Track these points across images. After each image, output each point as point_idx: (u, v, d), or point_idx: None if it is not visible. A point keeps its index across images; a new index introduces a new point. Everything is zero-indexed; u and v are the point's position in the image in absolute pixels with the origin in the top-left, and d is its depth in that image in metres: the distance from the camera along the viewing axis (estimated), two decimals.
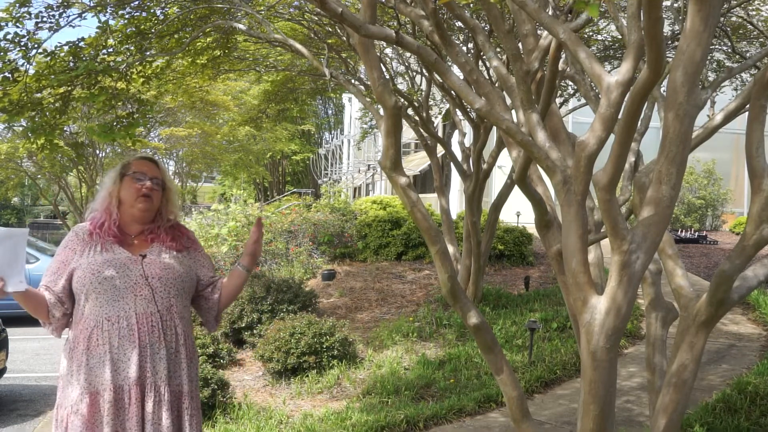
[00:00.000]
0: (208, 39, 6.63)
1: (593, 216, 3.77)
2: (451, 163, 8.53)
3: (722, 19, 6.47)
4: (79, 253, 2.32)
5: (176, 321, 2.33)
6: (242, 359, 6.97)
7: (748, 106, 2.91)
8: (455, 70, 5.11)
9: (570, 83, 9.29)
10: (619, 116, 2.31)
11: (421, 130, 8.51)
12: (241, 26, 5.96)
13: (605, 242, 2.84)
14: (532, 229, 8.01)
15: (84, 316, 2.27)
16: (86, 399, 2.21)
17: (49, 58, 4.67)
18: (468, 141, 9.61)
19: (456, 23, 7.65)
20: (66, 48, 4.76)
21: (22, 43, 4.39)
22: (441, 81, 7.65)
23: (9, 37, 4.33)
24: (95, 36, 4.90)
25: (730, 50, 7.54)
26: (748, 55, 7.49)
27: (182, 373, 2.32)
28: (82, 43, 4.83)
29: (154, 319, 2.27)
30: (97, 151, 19.00)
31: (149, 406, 2.23)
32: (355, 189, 30.38)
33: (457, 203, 15.32)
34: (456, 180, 15.92)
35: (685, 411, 3.04)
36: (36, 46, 4.45)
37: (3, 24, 4.30)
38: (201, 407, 2.47)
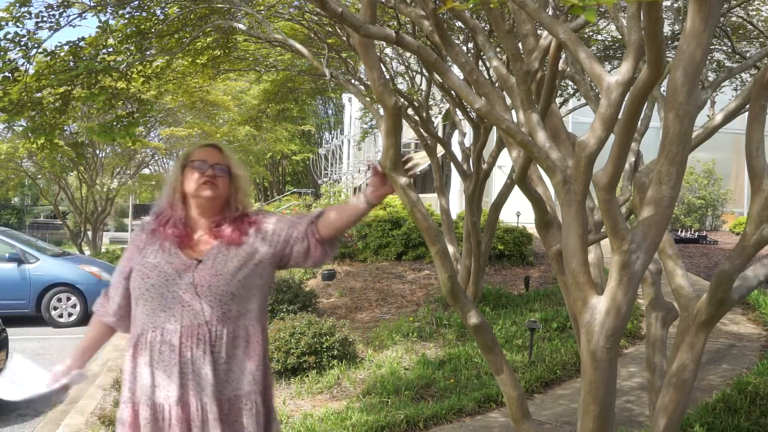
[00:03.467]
0: (208, 39, 6.64)
1: (593, 216, 3.77)
2: (451, 163, 8.53)
3: (722, 19, 6.47)
4: (140, 250, 2.17)
5: (231, 326, 2.10)
6: None
7: (748, 106, 2.91)
8: (455, 70, 5.10)
9: (570, 83, 9.28)
10: (619, 116, 2.31)
11: (421, 130, 8.51)
12: (241, 26, 5.96)
13: (605, 242, 2.84)
14: (532, 229, 8.01)
15: (134, 321, 2.14)
16: (129, 409, 2.08)
17: (49, 57, 4.67)
18: (468, 141, 9.60)
19: (456, 23, 7.64)
20: (66, 48, 4.77)
21: (22, 43, 4.39)
22: (441, 81, 7.65)
23: (9, 36, 4.33)
24: (95, 36, 4.91)
25: (730, 50, 7.53)
26: (748, 55, 7.48)
27: (236, 377, 2.10)
28: (82, 43, 4.84)
29: (201, 332, 2.06)
30: (97, 151, 19.00)
31: (195, 427, 2.03)
32: (355, 189, 30.37)
33: (457, 203, 15.31)
34: (456, 180, 15.92)
35: (685, 411, 3.04)
36: (36, 45, 4.45)
37: (3, 23, 4.30)
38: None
